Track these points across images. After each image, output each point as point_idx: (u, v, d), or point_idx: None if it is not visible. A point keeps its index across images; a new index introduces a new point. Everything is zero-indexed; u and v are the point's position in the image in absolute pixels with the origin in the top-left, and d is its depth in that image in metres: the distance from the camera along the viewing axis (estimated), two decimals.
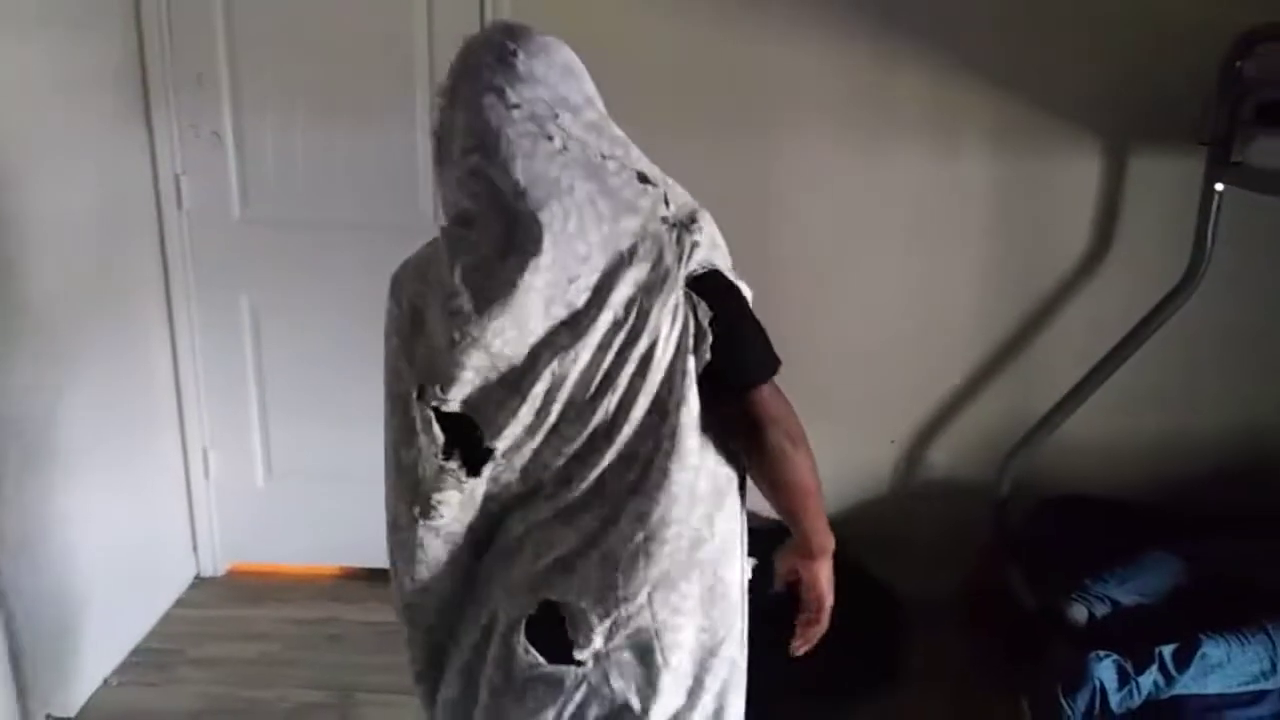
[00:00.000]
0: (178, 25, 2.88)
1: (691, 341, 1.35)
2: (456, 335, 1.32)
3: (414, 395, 1.41)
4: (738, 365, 1.39)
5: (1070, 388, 2.81)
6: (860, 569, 2.95)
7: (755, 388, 1.40)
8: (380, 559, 3.28)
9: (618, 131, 1.38)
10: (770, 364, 1.42)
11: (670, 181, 1.41)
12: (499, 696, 1.51)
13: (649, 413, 1.37)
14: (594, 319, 1.31)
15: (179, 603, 3.16)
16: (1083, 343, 2.85)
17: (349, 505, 3.21)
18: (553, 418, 1.36)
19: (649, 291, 1.32)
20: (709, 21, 2.75)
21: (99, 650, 2.78)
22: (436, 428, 1.40)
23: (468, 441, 1.40)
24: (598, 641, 1.45)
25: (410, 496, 1.48)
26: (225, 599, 3.19)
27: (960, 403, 3.07)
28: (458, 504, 1.45)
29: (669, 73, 2.80)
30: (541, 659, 1.46)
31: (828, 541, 1.53)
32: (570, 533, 1.42)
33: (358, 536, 3.23)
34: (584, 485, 1.40)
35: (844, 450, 3.03)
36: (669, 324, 1.34)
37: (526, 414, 1.35)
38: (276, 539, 3.29)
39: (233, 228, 3.03)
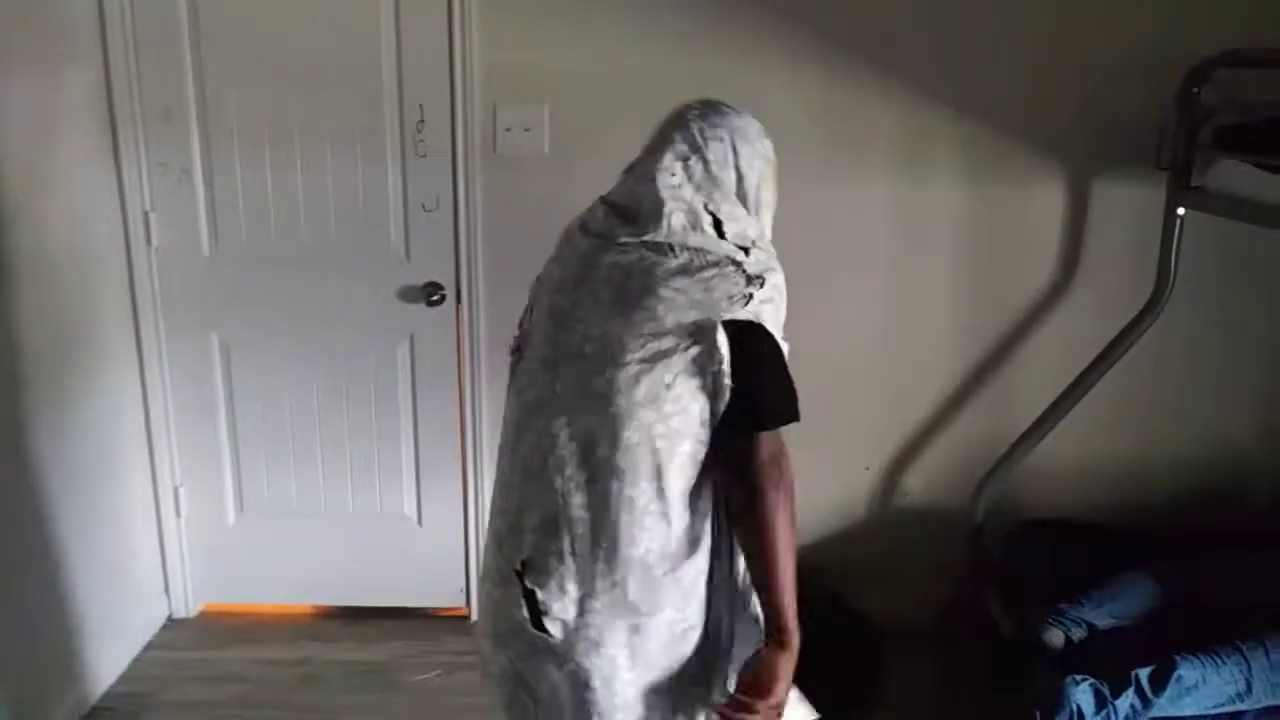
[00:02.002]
0: (145, 62, 2.87)
1: (711, 377, 1.43)
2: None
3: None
4: (747, 410, 1.45)
5: (1042, 412, 2.84)
6: (837, 596, 2.95)
7: (757, 432, 1.45)
8: (354, 598, 3.27)
9: (711, 229, 1.50)
10: (781, 414, 1.47)
11: (764, 241, 1.56)
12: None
13: (644, 408, 1.43)
14: (637, 300, 1.44)
15: (151, 645, 3.11)
16: (1053, 367, 2.87)
17: (322, 543, 3.20)
18: (563, 363, 1.49)
19: (693, 306, 1.42)
20: (680, 52, 2.77)
21: (70, 694, 2.73)
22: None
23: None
24: (570, 611, 1.48)
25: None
26: (198, 640, 3.15)
27: (934, 429, 3.09)
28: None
29: (639, 104, 2.80)
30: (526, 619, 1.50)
31: (792, 628, 1.48)
32: (555, 495, 1.47)
33: (331, 575, 3.22)
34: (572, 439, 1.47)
35: (819, 477, 3.03)
36: (694, 345, 1.42)
37: (549, 330, 1.53)
38: (249, 578, 3.25)
39: (202, 264, 3.02)
